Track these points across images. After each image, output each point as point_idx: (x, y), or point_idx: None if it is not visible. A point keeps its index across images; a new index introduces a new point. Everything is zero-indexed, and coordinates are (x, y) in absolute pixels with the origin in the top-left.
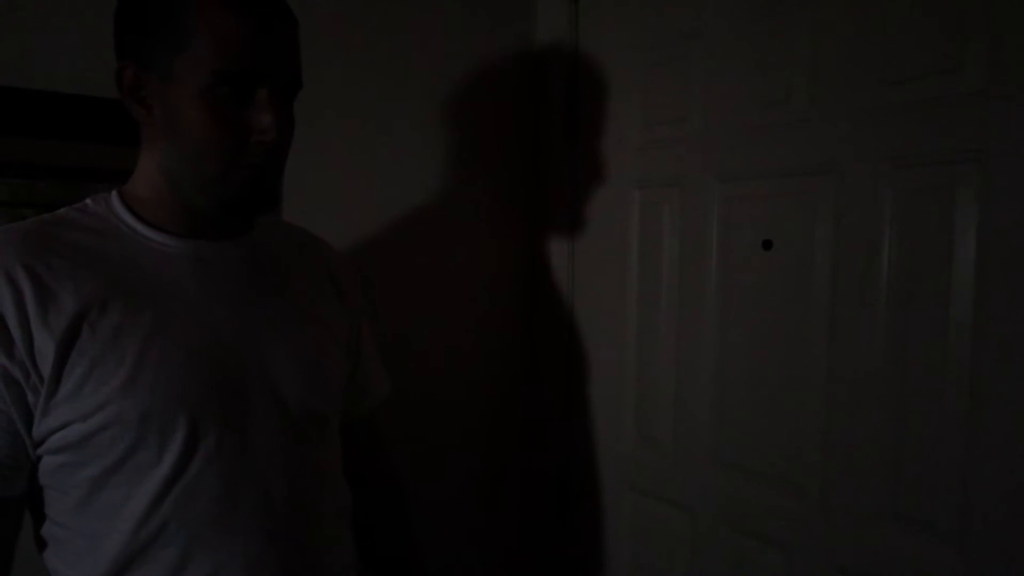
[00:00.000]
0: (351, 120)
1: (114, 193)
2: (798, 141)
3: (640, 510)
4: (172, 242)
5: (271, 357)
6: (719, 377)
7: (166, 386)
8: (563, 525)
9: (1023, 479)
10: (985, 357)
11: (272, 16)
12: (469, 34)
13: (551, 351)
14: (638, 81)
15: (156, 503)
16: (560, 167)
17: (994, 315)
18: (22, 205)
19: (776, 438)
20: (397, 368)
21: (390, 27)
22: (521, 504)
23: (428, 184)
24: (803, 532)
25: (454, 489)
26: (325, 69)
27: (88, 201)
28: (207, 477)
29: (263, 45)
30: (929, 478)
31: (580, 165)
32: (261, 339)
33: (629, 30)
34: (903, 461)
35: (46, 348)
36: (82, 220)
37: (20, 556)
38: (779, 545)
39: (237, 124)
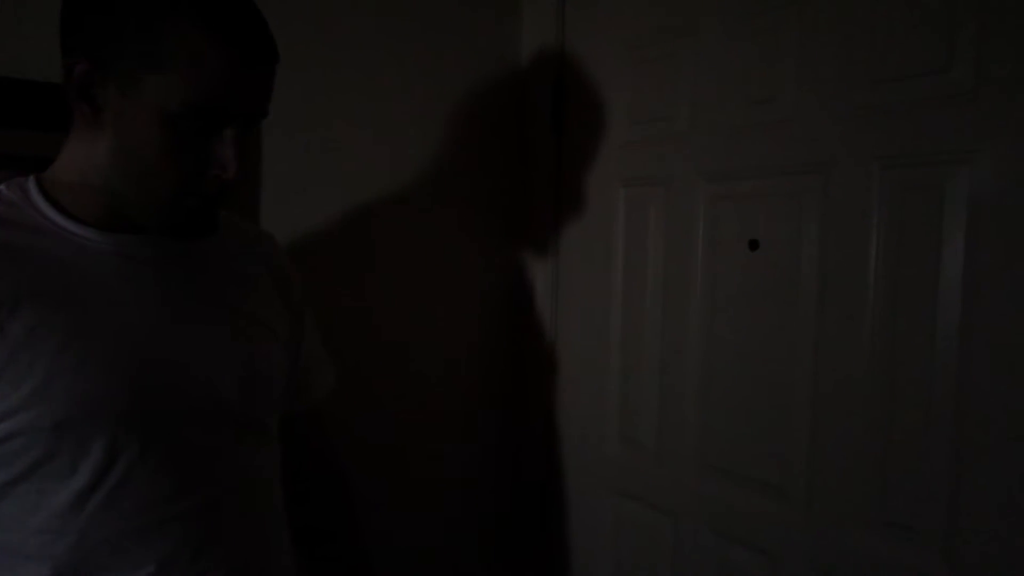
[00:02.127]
0: (333, 120)
1: (31, 180)
2: (785, 140)
3: (623, 514)
4: (97, 237)
5: (203, 359)
6: (704, 379)
7: (83, 393)
8: (545, 529)
9: (1010, 484)
10: (972, 360)
11: (257, 52)
12: (453, 31)
13: (534, 352)
14: (625, 79)
15: (71, 515)
16: (545, 165)
17: (982, 317)
18: None
19: (761, 442)
20: (375, 368)
21: (371, 26)
22: (503, 507)
23: (410, 183)
24: (788, 537)
25: (435, 492)
26: (307, 69)
27: (1, 188)
28: (129, 487)
29: (243, 83)
30: (915, 483)
31: (566, 163)
32: (192, 340)
33: (616, 27)
34: (889, 465)
35: None
36: None
37: None
38: (763, 550)
39: (197, 155)
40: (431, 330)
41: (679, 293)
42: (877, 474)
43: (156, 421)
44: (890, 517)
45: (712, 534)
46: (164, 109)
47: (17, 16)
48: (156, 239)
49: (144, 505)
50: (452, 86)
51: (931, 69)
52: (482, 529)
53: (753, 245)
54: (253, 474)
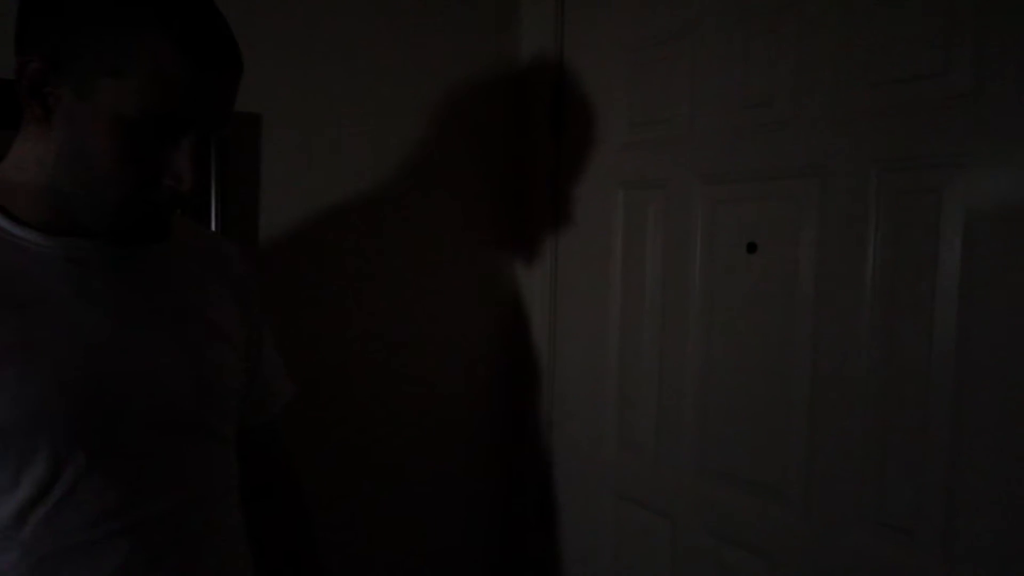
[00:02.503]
0: (333, 120)
1: None
2: (783, 143)
3: (621, 516)
4: (43, 240)
5: (155, 368)
6: (702, 382)
7: (25, 404)
8: (544, 531)
9: (1008, 486)
10: (969, 362)
11: (218, 62)
12: (453, 34)
13: (532, 355)
14: (624, 81)
15: (13, 529)
16: (544, 167)
17: (979, 321)
18: None
19: (759, 444)
20: (371, 370)
21: (371, 25)
22: (503, 509)
23: (408, 184)
24: (786, 539)
25: (435, 494)
26: (307, 69)
27: None
28: (75, 500)
29: (202, 93)
30: (913, 485)
31: (565, 165)
32: (142, 348)
33: (615, 30)
34: (887, 467)
35: None
36: None
37: None
38: (761, 552)
39: (152, 164)
40: (427, 332)
41: (677, 296)
42: (874, 476)
43: (103, 432)
44: (888, 519)
45: (710, 536)
46: (120, 115)
47: None
48: (105, 244)
49: (91, 519)
50: (451, 88)
51: (929, 72)
52: (481, 531)
53: (751, 248)
54: (208, 484)
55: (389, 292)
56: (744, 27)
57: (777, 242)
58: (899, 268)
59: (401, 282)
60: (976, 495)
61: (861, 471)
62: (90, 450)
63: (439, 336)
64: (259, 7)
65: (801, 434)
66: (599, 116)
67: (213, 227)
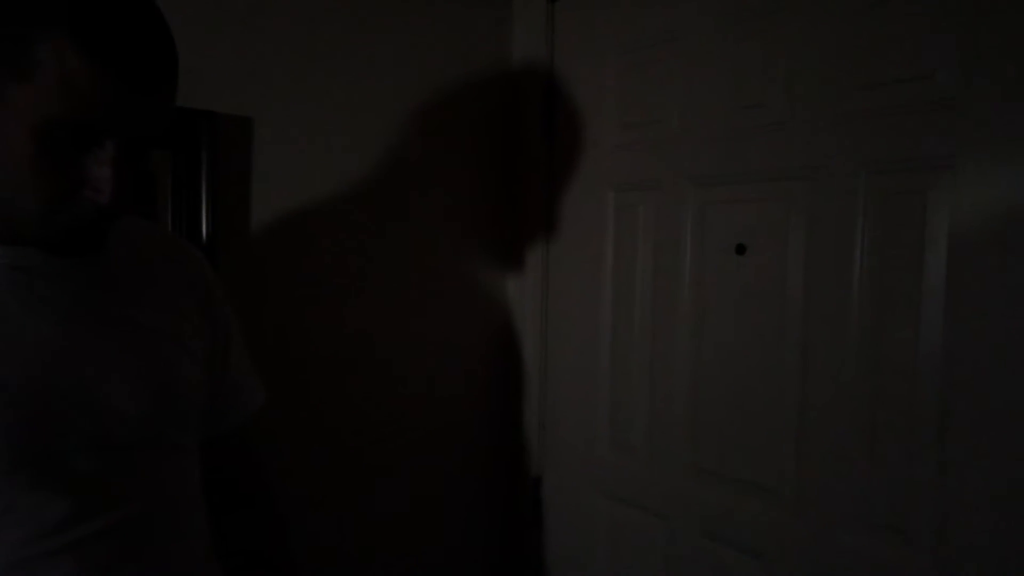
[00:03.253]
0: (323, 122)
1: None
2: (773, 145)
3: (615, 517)
4: None
5: (106, 380)
6: (693, 383)
7: None
8: (539, 532)
9: (995, 486)
10: (956, 362)
11: (138, 72)
12: (446, 36)
13: (524, 356)
14: (615, 83)
15: None
16: (536, 169)
17: (965, 320)
18: None
19: (751, 444)
20: (365, 372)
21: (363, 28)
22: (497, 510)
23: (404, 187)
24: (778, 539)
25: (430, 495)
26: (301, 74)
27: None
28: (15, 516)
29: (121, 104)
30: (903, 485)
31: (556, 167)
32: (95, 360)
33: (606, 32)
34: (878, 467)
35: None
36: None
37: None
38: (754, 552)
39: (70, 172)
40: (421, 333)
41: (668, 297)
42: (865, 476)
43: (49, 447)
44: (879, 518)
45: (703, 536)
46: (30, 122)
47: None
48: (48, 252)
49: (34, 535)
50: (443, 90)
51: (915, 76)
52: (478, 532)
53: (740, 250)
54: (165, 497)
55: (383, 294)
56: (735, 31)
57: (767, 244)
58: (886, 269)
59: (395, 284)
60: (966, 494)
61: (852, 470)
62: (33, 467)
63: (433, 337)
64: (252, 10)
65: (792, 434)
66: (590, 118)
67: (204, 230)
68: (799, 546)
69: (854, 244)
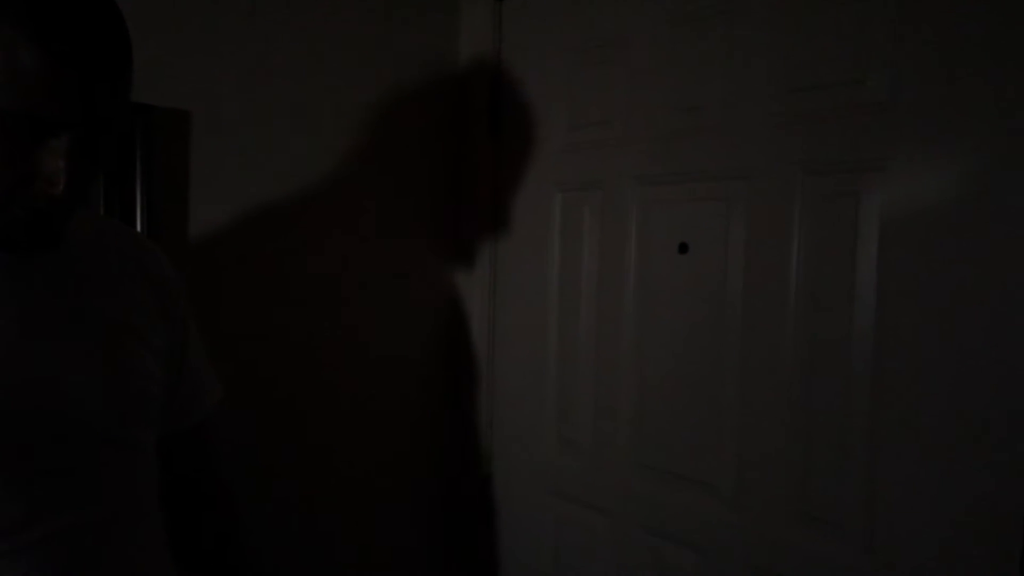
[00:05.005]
0: (264, 119)
1: None
2: (713, 147)
3: (561, 514)
4: None
5: (62, 378)
6: (638, 380)
7: None
8: (488, 531)
9: (923, 480)
10: (886, 358)
11: (86, 55)
12: (389, 34)
13: (472, 354)
14: (562, 84)
15: None
16: (483, 168)
17: (894, 318)
18: None
19: (693, 440)
20: (309, 371)
21: (308, 24)
22: (442, 509)
23: (345, 185)
24: (718, 534)
25: (375, 494)
26: (242, 67)
27: None
28: None
29: (66, 92)
30: (836, 479)
31: (504, 166)
32: (51, 356)
33: (553, 33)
34: (813, 461)
35: None
36: None
37: None
38: (695, 547)
39: (22, 164)
40: (365, 332)
41: (613, 296)
42: (801, 469)
43: (2, 446)
44: (814, 512)
45: (647, 533)
46: None
47: None
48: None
49: None
50: (389, 87)
51: (847, 80)
52: (421, 531)
53: (683, 249)
54: (124, 496)
55: (325, 293)
56: (676, 34)
57: (708, 243)
58: (821, 267)
59: (337, 282)
60: (894, 488)
61: (788, 465)
62: None
63: (379, 336)
64: (191, 3)
65: (732, 430)
66: (537, 118)
67: (139, 224)
68: (737, 540)
69: (791, 243)
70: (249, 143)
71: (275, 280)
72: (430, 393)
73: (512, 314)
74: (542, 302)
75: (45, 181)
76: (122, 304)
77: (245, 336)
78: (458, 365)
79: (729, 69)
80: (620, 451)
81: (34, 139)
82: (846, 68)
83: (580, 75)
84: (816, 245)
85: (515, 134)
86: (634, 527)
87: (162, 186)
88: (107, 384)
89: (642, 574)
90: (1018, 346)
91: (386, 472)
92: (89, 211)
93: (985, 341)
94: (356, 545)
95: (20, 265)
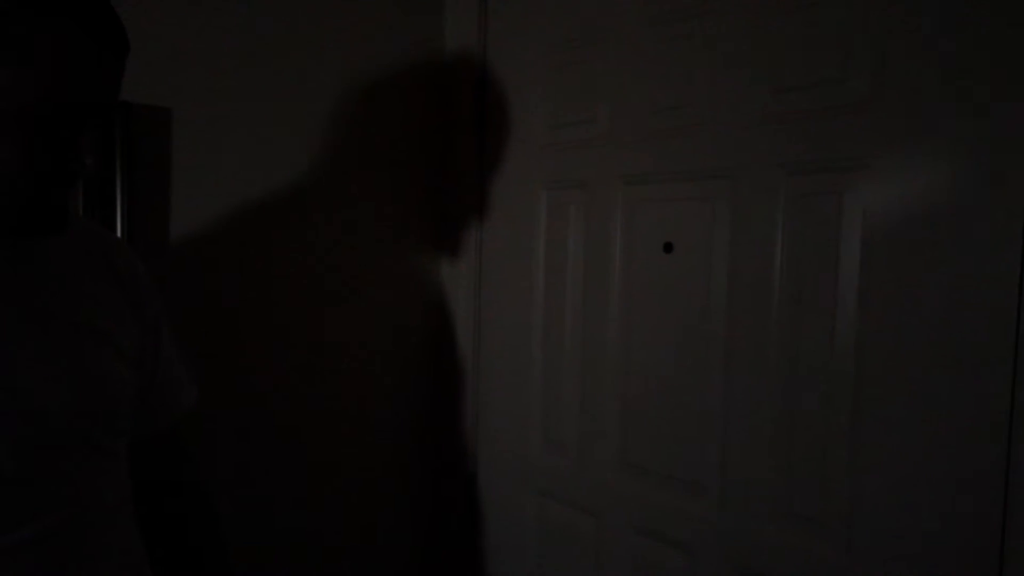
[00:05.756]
0: (250, 116)
1: None
2: (697, 146)
3: (546, 515)
4: None
5: (25, 380)
6: (623, 379)
7: None
8: (473, 529)
9: (904, 479)
10: (868, 357)
11: (118, 43)
12: (374, 33)
13: (457, 354)
14: (547, 82)
15: None
16: (469, 166)
17: (876, 317)
18: None
19: (678, 440)
20: (291, 369)
21: (292, 18)
22: (427, 509)
23: (331, 182)
24: (703, 532)
25: (361, 493)
26: (223, 64)
27: None
28: None
29: (106, 76)
30: (818, 478)
31: (488, 165)
32: (17, 356)
33: (537, 31)
34: (795, 461)
35: None
36: None
37: None
38: (681, 546)
39: (56, 151)
40: (348, 331)
41: (598, 295)
42: (784, 469)
43: None
44: (796, 510)
45: (632, 532)
46: (20, 104)
47: None
48: None
49: None
50: (374, 83)
51: (829, 79)
52: (406, 530)
53: (668, 248)
54: (93, 502)
55: (307, 291)
56: (659, 32)
57: (692, 242)
58: (804, 267)
59: (323, 279)
60: (875, 486)
61: (772, 464)
62: None
63: (364, 333)
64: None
65: (717, 429)
66: (522, 115)
67: (119, 224)
68: (722, 539)
69: (774, 242)
70: (231, 141)
71: (258, 278)
72: (414, 392)
73: (497, 313)
74: (527, 301)
75: (77, 162)
76: (90, 306)
77: (225, 336)
78: (443, 364)
79: (712, 68)
80: (605, 450)
81: (69, 125)
82: (827, 68)
83: (565, 72)
84: (799, 244)
85: (500, 132)
86: (620, 527)
87: (143, 185)
88: (73, 387)
89: (627, 574)
90: (999, 346)
91: (368, 471)
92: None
93: (966, 341)
94: (339, 546)
95: None
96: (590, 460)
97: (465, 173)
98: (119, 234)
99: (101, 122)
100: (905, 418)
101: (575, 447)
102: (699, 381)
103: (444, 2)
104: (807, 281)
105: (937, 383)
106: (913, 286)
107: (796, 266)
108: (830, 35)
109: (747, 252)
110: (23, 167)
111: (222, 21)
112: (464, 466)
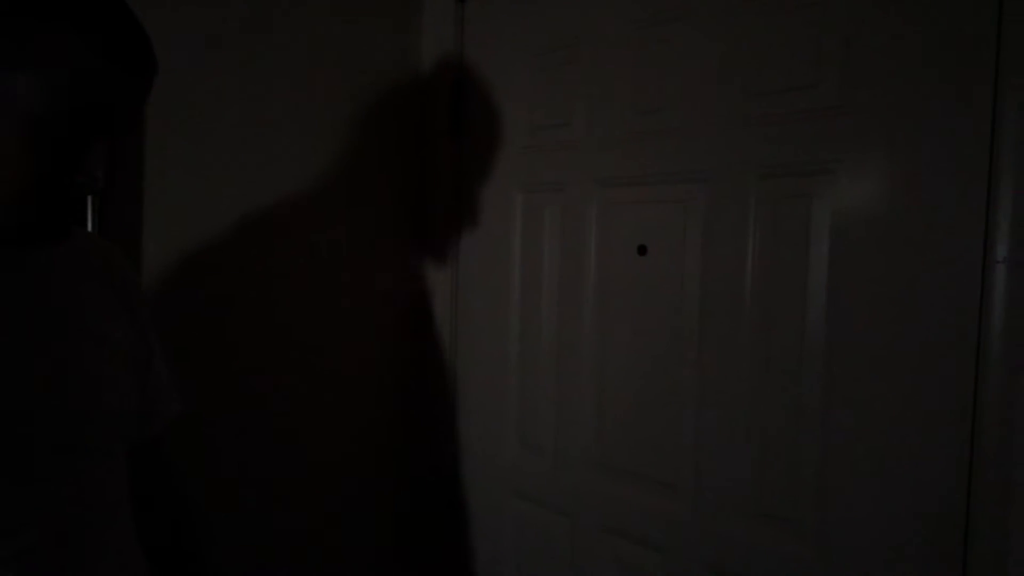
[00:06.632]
0: (228, 125)
1: None
2: (671, 149)
3: (523, 516)
4: None
5: (30, 382)
6: (598, 381)
7: None
8: (447, 532)
9: (872, 475)
10: (836, 357)
11: (138, 60)
12: (352, 36)
13: (434, 356)
14: (524, 85)
15: None
16: (445, 170)
17: (844, 318)
18: None
19: (652, 440)
20: (270, 371)
21: (268, 26)
22: (404, 510)
23: (308, 188)
24: (677, 533)
25: (337, 497)
26: (198, 70)
27: None
28: None
29: (122, 91)
30: (789, 477)
31: (465, 168)
32: (23, 362)
33: (515, 35)
34: (767, 460)
35: None
36: None
37: None
38: (655, 547)
39: (65, 161)
40: (328, 333)
41: (573, 298)
42: (757, 468)
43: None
44: (768, 509)
45: (607, 532)
46: (35, 113)
47: None
48: None
49: None
50: (351, 87)
51: (800, 85)
52: (384, 532)
53: (642, 250)
54: (95, 502)
55: (290, 293)
56: (635, 37)
57: (666, 244)
58: (775, 269)
59: (297, 285)
60: (845, 486)
61: (744, 464)
62: None
63: (337, 338)
64: (149, 2)
65: (692, 429)
66: (499, 119)
67: (91, 226)
68: (696, 539)
69: (746, 245)
70: (205, 144)
71: (233, 282)
72: (392, 394)
73: (475, 317)
74: (504, 304)
75: (86, 175)
76: (90, 310)
77: (202, 339)
78: (420, 366)
79: (687, 72)
80: (581, 452)
81: (83, 137)
82: (799, 73)
83: (541, 76)
84: (770, 247)
85: (477, 135)
86: (596, 528)
87: (115, 195)
88: (78, 393)
89: (603, 574)
90: (965, 343)
91: (347, 473)
92: None
93: (930, 338)
94: (319, 547)
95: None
96: (565, 461)
97: (443, 177)
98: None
99: (113, 138)
100: (873, 417)
101: (551, 448)
102: (673, 382)
103: (422, 8)
104: (778, 283)
105: (904, 381)
106: (880, 286)
107: (767, 268)
108: (803, 40)
109: (720, 254)
110: (31, 176)
111: (195, 21)
112: (443, 468)
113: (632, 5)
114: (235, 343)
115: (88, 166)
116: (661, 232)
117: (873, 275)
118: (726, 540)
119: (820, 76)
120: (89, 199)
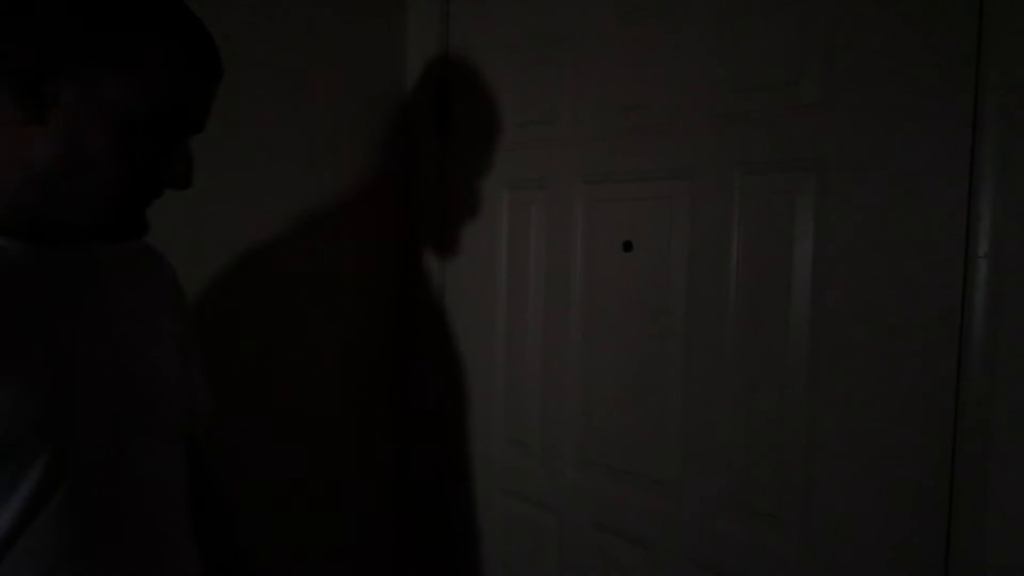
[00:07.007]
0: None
1: None
2: (656, 146)
3: (510, 514)
4: (8, 243)
5: (132, 373)
6: (584, 377)
7: (24, 409)
8: (437, 530)
9: (858, 472)
10: (821, 352)
11: (216, 65)
12: (334, 31)
13: (422, 354)
14: (509, 82)
15: (11, 535)
16: (431, 167)
17: (828, 315)
18: None
19: (639, 437)
20: (258, 370)
21: (247, 16)
22: (394, 508)
23: (296, 186)
24: (663, 528)
25: (325, 493)
26: None
27: None
28: (69, 506)
29: (204, 94)
30: (774, 473)
31: (451, 165)
32: (121, 354)
33: (500, 31)
34: (753, 456)
35: None
36: None
37: None
38: (641, 542)
39: (152, 163)
40: (317, 332)
41: (560, 294)
42: (742, 464)
43: (98, 437)
44: (754, 506)
45: (595, 529)
46: (126, 115)
47: None
48: (64, 249)
49: (83, 526)
50: (335, 85)
51: (784, 81)
52: (370, 531)
53: (627, 246)
54: (177, 492)
55: (274, 295)
56: (620, 33)
57: (652, 241)
58: (760, 265)
59: (285, 284)
60: (830, 481)
61: (730, 460)
62: (87, 458)
63: (326, 337)
64: None
65: (676, 425)
66: (484, 116)
67: None
68: (682, 534)
69: (730, 241)
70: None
71: (219, 282)
72: (380, 392)
73: (462, 313)
74: (491, 301)
75: (173, 176)
76: (154, 307)
77: (203, 340)
78: (408, 364)
79: (671, 69)
80: (568, 449)
81: (168, 139)
82: (783, 70)
83: (527, 73)
84: (754, 243)
85: (463, 132)
86: (582, 525)
87: None
88: (160, 382)
89: (591, 571)
90: (949, 341)
91: (333, 469)
92: None
93: (916, 336)
94: (304, 546)
95: (65, 258)
96: (552, 458)
97: (429, 175)
98: None
99: (189, 138)
100: (858, 413)
101: (538, 446)
102: (658, 378)
103: (406, 4)
104: (762, 279)
105: (887, 378)
106: (863, 282)
107: (752, 264)
108: (786, 37)
109: (705, 250)
110: (123, 175)
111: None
112: (429, 465)
113: (616, 1)
114: (237, 346)
115: (174, 169)
116: (646, 228)
117: (856, 271)
118: (713, 537)
119: (803, 73)
120: None
